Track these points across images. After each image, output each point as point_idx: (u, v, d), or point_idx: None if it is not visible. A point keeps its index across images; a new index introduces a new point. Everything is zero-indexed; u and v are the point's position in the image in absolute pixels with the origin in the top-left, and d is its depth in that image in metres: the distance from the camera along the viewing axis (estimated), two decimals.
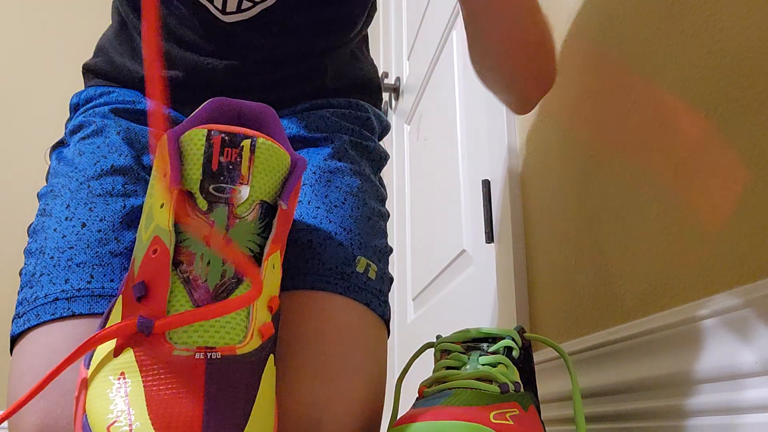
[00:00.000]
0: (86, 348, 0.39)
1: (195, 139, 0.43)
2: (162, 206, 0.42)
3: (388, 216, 0.69)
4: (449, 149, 1.29)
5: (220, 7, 0.65)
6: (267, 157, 0.44)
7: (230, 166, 0.42)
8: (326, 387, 0.53)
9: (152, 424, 0.37)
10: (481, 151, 1.11)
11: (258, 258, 0.44)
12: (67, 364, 0.39)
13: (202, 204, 0.42)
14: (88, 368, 0.40)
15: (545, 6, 0.89)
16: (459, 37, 1.30)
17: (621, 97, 0.68)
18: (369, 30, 0.80)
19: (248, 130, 0.44)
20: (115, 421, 0.37)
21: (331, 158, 0.65)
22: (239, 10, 0.65)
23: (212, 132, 0.42)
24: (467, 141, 1.21)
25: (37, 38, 2.69)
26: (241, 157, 0.43)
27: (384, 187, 0.72)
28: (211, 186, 0.42)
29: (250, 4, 0.64)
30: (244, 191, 0.43)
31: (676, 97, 0.59)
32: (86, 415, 0.38)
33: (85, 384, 0.39)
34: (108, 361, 0.40)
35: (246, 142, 0.43)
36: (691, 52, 0.57)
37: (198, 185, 0.42)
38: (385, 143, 2.03)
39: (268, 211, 0.45)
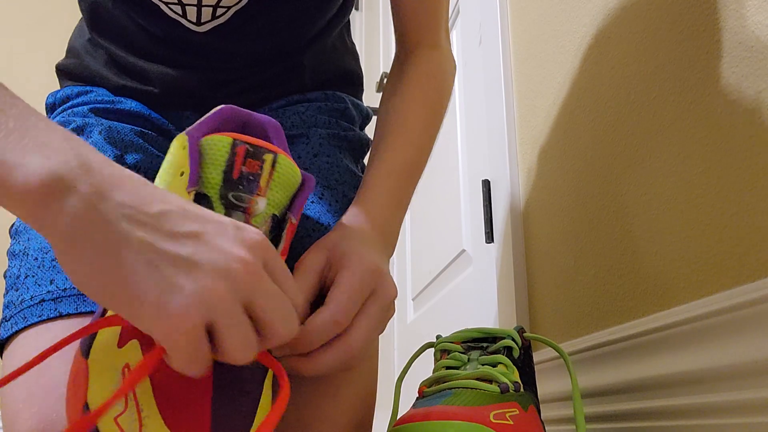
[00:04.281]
0: (91, 329, 0.39)
1: (219, 145, 0.43)
2: None
3: None
4: (449, 149, 1.29)
5: (194, 20, 0.63)
6: (284, 173, 0.45)
7: (250, 177, 0.44)
8: (316, 386, 0.53)
9: (162, 419, 0.37)
10: (481, 151, 1.11)
11: None
12: (66, 342, 0.39)
13: (219, 209, 0.43)
14: (86, 358, 0.40)
15: (545, 8, 0.89)
16: (458, 37, 1.30)
17: (621, 97, 0.68)
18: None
19: (271, 145, 0.45)
20: (122, 413, 0.37)
21: (306, 154, 0.65)
22: (214, 17, 0.63)
23: (237, 142, 0.44)
24: (467, 141, 1.21)
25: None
26: (261, 170, 0.44)
27: None
28: (231, 193, 0.43)
29: (224, 9, 0.63)
30: (261, 203, 0.44)
31: (675, 98, 0.59)
32: (87, 405, 0.38)
33: (84, 372, 0.39)
34: (112, 351, 0.39)
35: (268, 157, 0.44)
36: (690, 51, 0.57)
37: (217, 191, 0.43)
38: None
39: (276, 224, 0.46)
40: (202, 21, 0.63)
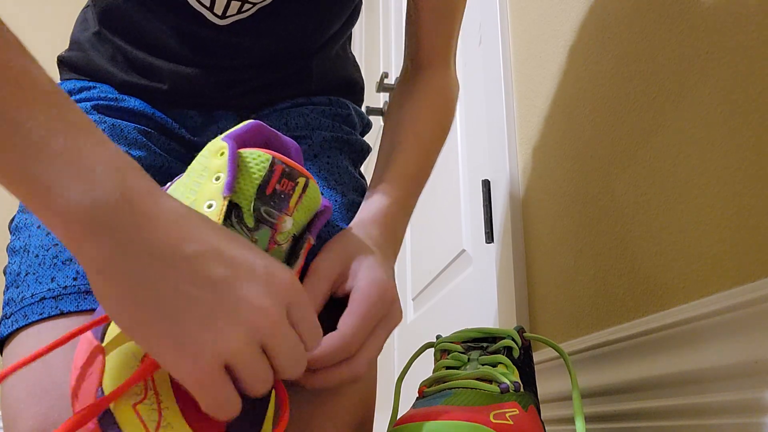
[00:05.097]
0: (99, 322, 0.40)
1: (258, 160, 0.45)
2: (210, 206, 0.44)
3: None
4: (449, 149, 1.29)
5: (220, 13, 0.64)
6: (311, 198, 0.48)
7: (282, 196, 0.46)
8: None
9: (180, 410, 0.38)
10: (481, 151, 1.11)
11: None
12: (73, 336, 0.40)
13: (249, 220, 0.44)
14: (100, 341, 0.40)
15: (545, 8, 0.89)
16: (459, 36, 1.30)
17: (621, 97, 0.68)
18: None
19: (304, 169, 0.47)
20: (142, 400, 0.38)
21: (307, 155, 0.66)
22: (239, 11, 0.64)
23: (276, 160, 0.46)
24: (467, 141, 1.21)
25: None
26: (293, 191, 0.46)
27: (364, 179, 0.72)
28: (263, 208, 0.45)
29: (250, 5, 0.64)
30: (289, 222, 0.46)
31: (675, 98, 0.59)
32: (102, 389, 0.38)
33: (99, 357, 0.39)
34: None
35: (302, 180, 0.47)
36: (689, 51, 0.57)
37: (250, 203, 0.44)
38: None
39: (294, 242, 0.48)
40: (227, 14, 0.64)
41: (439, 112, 0.70)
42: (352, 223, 0.57)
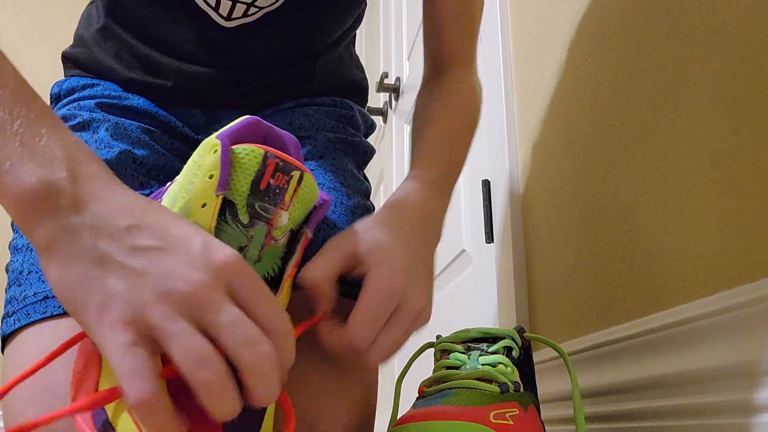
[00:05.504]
0: None
1: (251, 155, 0.45)
2: (204, 206, 0.43)
3: (374, 210, 0.68)
4: None
5: (225, 15, 0.64)
6: (308, 191, 0.47)
7: (276, 190, 0.45)
8: (318, 386, 0.53)
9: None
10: (481, 151, 1.11)
11: (277, 279, 0.46)
12: (74, 342, 0.39)
13: (244, 217, 0.44)
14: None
15: (545, 8, 0.89)
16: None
17: (621, 97, 0.68)
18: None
19: (298, 162, 0.47)
20: None
21: (312, 156, 0.66)
22: (245, 15, 0.64)
23: (269, 155, 0.45)
24: None
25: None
26: (288, 185, 0.45)
27: (368, 181, 0.72)
28: (257, 203, 0.44)
29: (256, 9, 0.64)
30: (284, 216, 0.45)
31: (674, 98, 0.59)
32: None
33: (96, 360, 0.39)
34: None
35: (296, 173, 0.46)
36: (689, 51, 0.57)
37: (244, 198, 0.44)
38: (383, 143, 2.03)
39: (291, 237, 0.48)
40: (233, 17, 0.64)
41: (465, 108, 0.70)
42: (385, 203, 0.56)
